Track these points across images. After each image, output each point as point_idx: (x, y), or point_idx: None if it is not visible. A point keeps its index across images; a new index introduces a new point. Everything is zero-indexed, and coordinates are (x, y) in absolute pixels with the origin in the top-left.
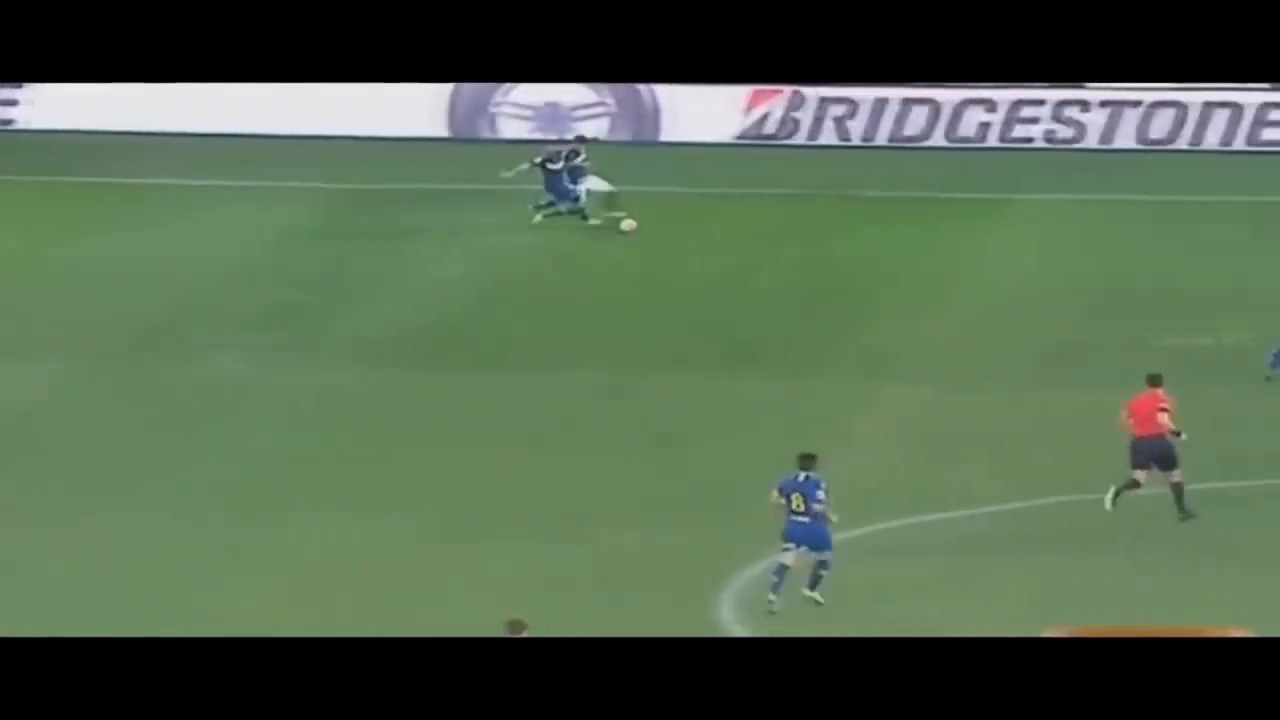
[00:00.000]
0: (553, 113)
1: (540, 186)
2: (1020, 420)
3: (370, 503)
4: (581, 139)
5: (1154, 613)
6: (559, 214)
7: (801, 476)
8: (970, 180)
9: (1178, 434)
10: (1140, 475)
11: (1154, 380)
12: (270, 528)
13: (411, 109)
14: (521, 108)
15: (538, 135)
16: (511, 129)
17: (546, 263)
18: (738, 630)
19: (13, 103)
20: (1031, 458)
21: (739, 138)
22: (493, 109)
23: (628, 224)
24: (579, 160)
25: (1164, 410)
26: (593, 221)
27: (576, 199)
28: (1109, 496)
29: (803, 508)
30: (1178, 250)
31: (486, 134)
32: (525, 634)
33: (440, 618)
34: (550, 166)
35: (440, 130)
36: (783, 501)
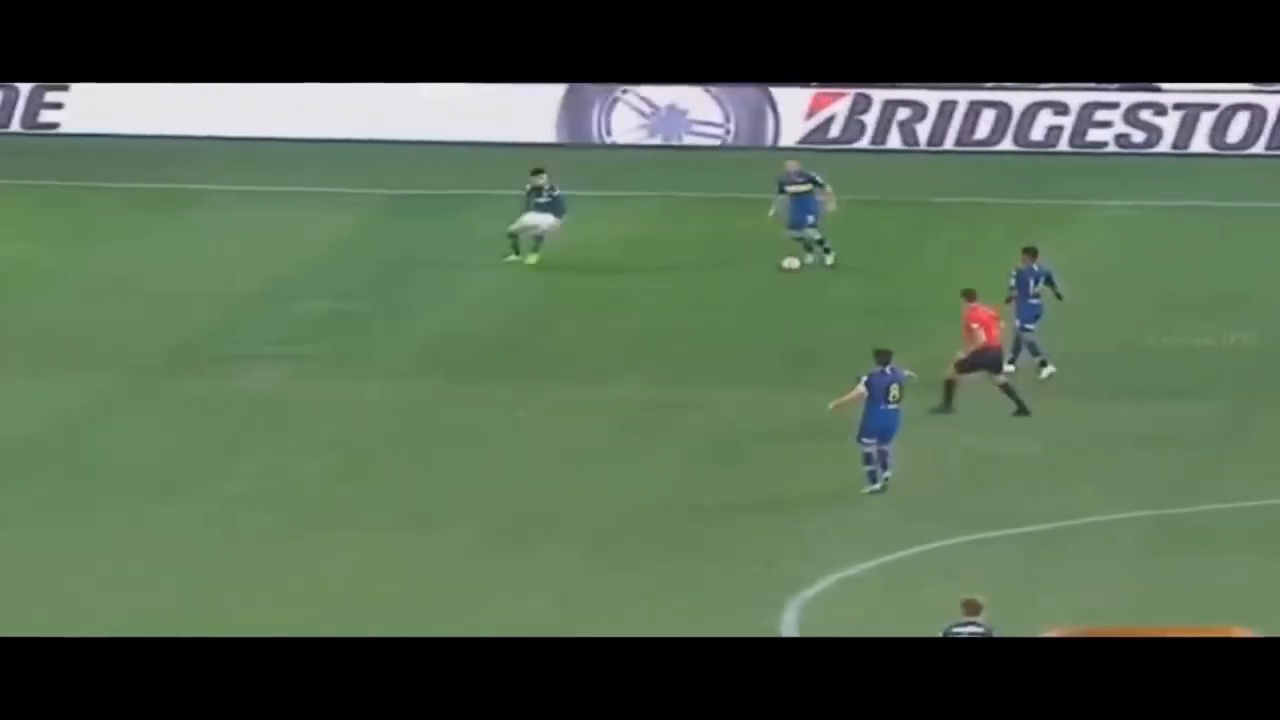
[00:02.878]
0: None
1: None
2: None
3: (416, 517)
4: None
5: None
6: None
7: (888, 370)
8: (1041, 186)
9: None
10: (969, 378)
11: (970, 294)
12: (314, 541)
13: (472, 112)
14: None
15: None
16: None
17: (599, 272)
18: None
19: (57, 105)
20: (1098, 471)
21: (801, 142)
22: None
23: (790, 262)
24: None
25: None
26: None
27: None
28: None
29: (899, 397)
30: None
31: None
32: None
33: (488, 631)
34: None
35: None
36: (866, 394)
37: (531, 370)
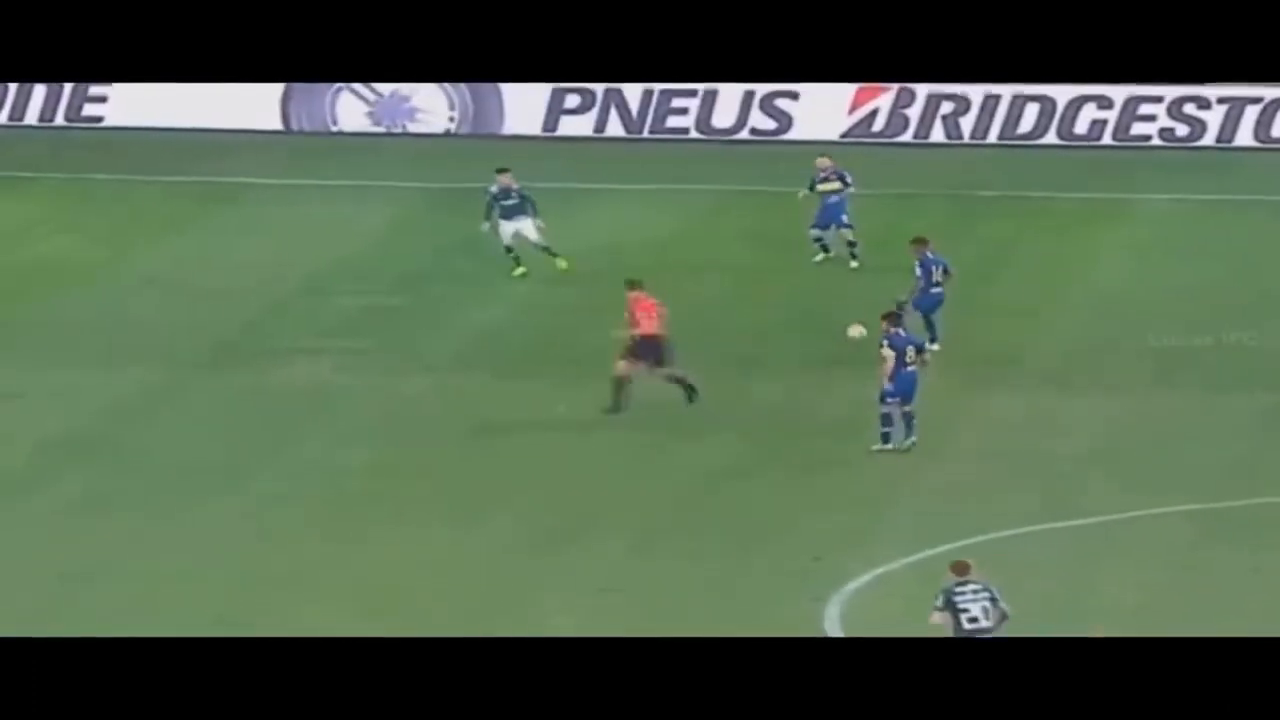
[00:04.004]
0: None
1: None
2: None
3: (457, 512)
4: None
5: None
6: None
7: (904, 333)
8: (1085, 180)
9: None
10: (636, 369)
11: (635, 284)
12: (355, 537)
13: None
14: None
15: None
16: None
17: (638, 268)
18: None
19: (100, 99)
20: (1144, 466)
21: (844, 136)
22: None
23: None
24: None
25: (662, 313)
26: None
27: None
28: (611, 408)
29: (915, 358)
30: None
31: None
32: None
33: (525, 627)
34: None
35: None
36: (892, 357)
37: (573, 366)
